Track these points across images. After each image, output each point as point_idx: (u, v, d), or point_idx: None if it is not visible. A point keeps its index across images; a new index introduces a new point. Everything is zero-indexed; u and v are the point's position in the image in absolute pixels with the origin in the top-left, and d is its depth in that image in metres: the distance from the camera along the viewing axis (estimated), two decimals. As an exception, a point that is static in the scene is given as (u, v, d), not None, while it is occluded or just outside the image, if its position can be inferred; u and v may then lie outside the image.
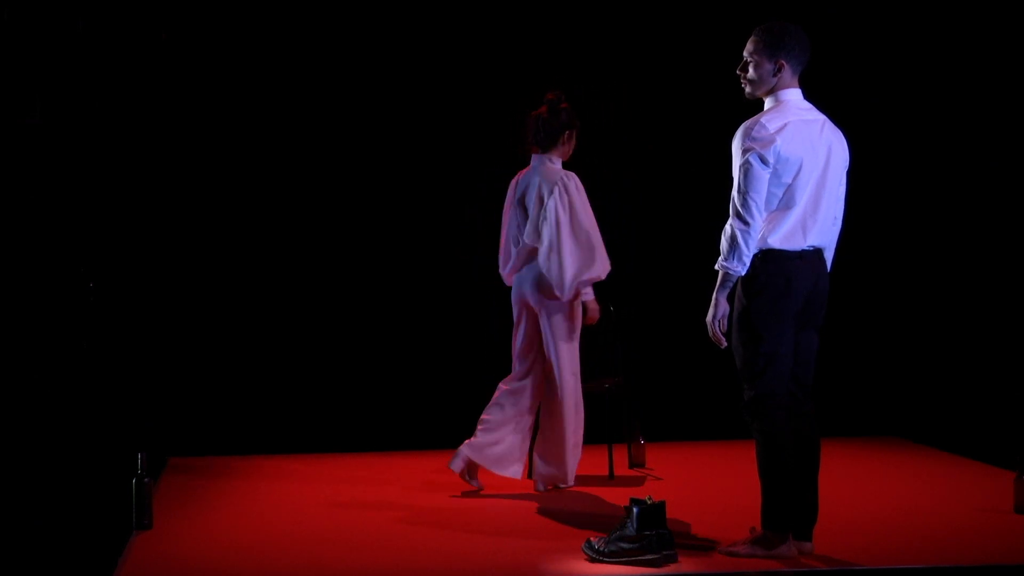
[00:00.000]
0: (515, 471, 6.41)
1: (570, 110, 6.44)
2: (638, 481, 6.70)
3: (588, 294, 6.50)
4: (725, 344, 5.03)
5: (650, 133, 7.98)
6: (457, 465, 6.39)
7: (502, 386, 6.50)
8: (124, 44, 7.56)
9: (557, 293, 6.29)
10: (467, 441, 6.39)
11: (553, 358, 6.36)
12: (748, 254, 4.90)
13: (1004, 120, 7.68)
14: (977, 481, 6.52)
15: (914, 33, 7.87)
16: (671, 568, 4.95)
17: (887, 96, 7.92)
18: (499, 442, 6.40)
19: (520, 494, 6.37)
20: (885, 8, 7.88)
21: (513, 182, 6.53)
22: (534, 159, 6.46)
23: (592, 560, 5.05)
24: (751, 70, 5.01)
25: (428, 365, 7.88)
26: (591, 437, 7.26)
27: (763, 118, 4.93)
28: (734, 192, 4.92)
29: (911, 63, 7.90)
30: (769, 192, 4.90)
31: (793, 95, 5.00)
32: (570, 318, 6.39)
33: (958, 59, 7.82)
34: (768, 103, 5.02)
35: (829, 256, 5.11)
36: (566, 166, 6.46)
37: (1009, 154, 7.71)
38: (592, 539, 5.11)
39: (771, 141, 4.87)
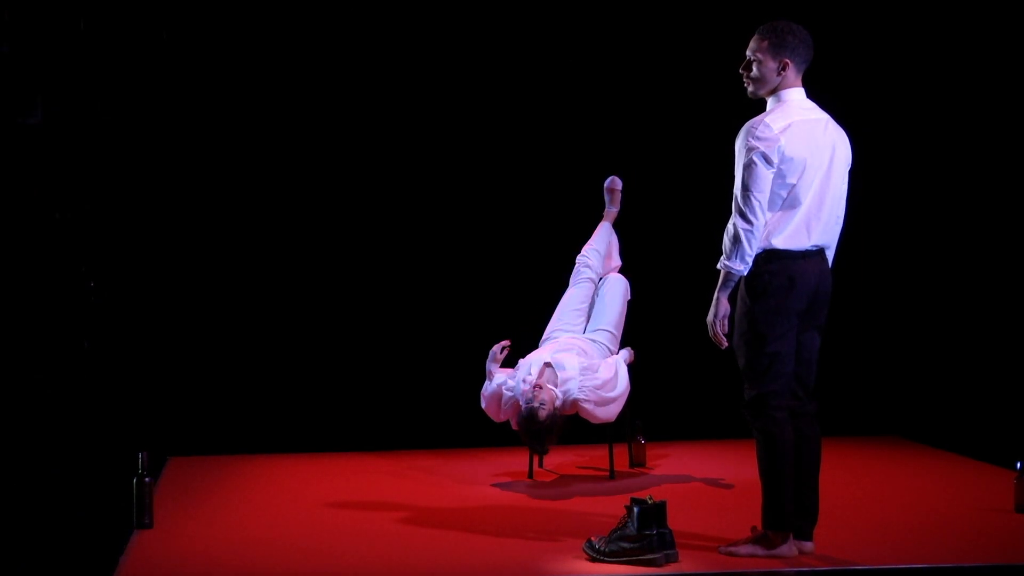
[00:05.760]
0: None
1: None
2: (639, 480, 6.70)
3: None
4: (726, 344, 5.03)
5: (650, 133, 7.98)
6: None
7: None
8: (125, 44, 7.56)
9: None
10: None
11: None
12: (750, 254, 4.90)
13: (1007, 121, 7.68)
14: (977, 480, 6.52)
15: (918, 32, 7.87)
16: (672, 567, 4.94)
17: (891, 95, 7.92)
18: None
19: (520, 494, 6.37)
20: (890, 7, 7.87)
21: None
22: None
23: (593, 560, 5.04)
24: (755, 69, 5.01)
25: (428, 365, 7.88)
26: (591, 437, 7.26)
27: (767, 118, 4.92)
28: (737, 191, 4.91)
29: (915, 62, 7.90)
30: (773, 192, 4.90)
31: (796, 94, 5.00)
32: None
33: (962, 59, 7.82)
34: (771, 102, 5.02)
35: (830, 255, 5.10)
36: None
37: (1010, 154, 7.71)
38: (593, 539, 5.11)
39: (775, 141, 4.87)
